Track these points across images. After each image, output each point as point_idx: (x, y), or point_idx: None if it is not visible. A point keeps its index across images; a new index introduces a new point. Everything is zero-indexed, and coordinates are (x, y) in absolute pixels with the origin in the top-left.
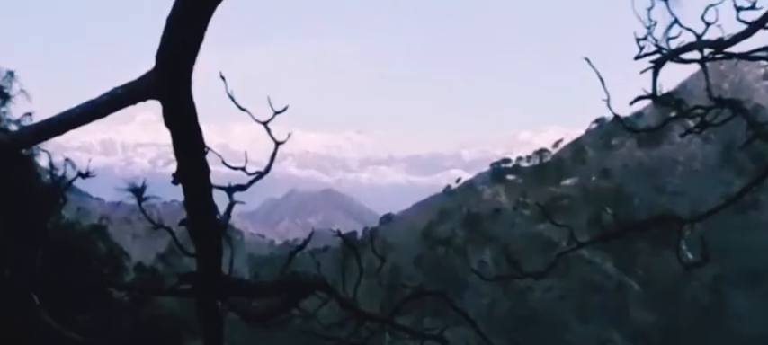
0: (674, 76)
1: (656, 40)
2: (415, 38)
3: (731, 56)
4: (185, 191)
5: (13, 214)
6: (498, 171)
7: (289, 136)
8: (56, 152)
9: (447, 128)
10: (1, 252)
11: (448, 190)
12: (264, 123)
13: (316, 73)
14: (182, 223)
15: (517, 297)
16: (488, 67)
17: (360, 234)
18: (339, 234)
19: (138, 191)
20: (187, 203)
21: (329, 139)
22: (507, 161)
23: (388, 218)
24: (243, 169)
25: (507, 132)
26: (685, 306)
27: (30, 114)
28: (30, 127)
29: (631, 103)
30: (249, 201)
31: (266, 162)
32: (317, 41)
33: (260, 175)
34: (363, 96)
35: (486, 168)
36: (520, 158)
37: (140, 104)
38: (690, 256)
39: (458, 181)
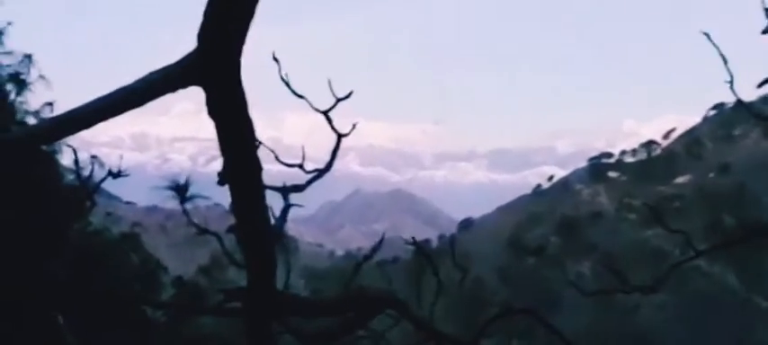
0: None
1: None
2: (496, 8)
3: None
4: (233, 193)
5: (33, 221)
6: (598, 167)
7: (353, 127)
8: (81, 148)
9: (537, 118)
10: (20, 266)
11: (538, 190)
12: (325, 112)
13: (379, 52)
14: (229, 229)
15: (622, 316)
16: (586, 47)
17: (435, 243)
18: (413, 242)
19: (180, 189)
20: (235, 206)
21: (399, 131)
22: (609, 155)
23: (467, 223)
24: (300, 166)
25: (609, 122)
26: None
27: (50, 104)
28: (50, 119)
29: (759, 86)
30: (306, 204)
31: (325, 158)
32: (375, 13)
33: (319, 173)
34: (439, 81)
35: (583, 164)
36: (624, 152)
37: (179, 92)
38: None
39: (550, 179)
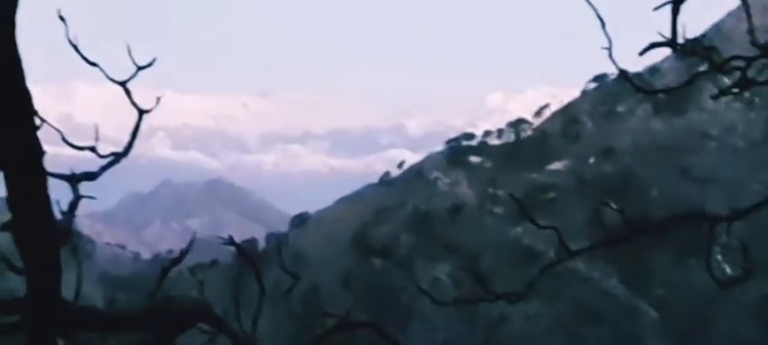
0: (703, 16)
1: None
2: None
3: None
4: (7, 182)
5: None
6: (458, 151)
7: (158, 101)
8: None
9: (384, 92)
10: None
11: (386, 179)
12: (123, 83)
13: (193, 11)
14: (3, 227)
15: (487, 329)
16: (443, 6)
17: (262, 243)
18: (231, 242)
19: None
20: (10, 198)
21: (217, 107)
22: (470, 136)
23: (302, 219)
24: (92, 149)
25: (469, 96)
26: (719, 339)
27: None
28: None
29: (642, 53)
30: (103, 196)
31: (126, 139)
32: None
33: (116, 158)
34: (267, 46)
35: (439, 147)
36: (487, 133)
37: None
38: (727, 269)
39: (400, 165)
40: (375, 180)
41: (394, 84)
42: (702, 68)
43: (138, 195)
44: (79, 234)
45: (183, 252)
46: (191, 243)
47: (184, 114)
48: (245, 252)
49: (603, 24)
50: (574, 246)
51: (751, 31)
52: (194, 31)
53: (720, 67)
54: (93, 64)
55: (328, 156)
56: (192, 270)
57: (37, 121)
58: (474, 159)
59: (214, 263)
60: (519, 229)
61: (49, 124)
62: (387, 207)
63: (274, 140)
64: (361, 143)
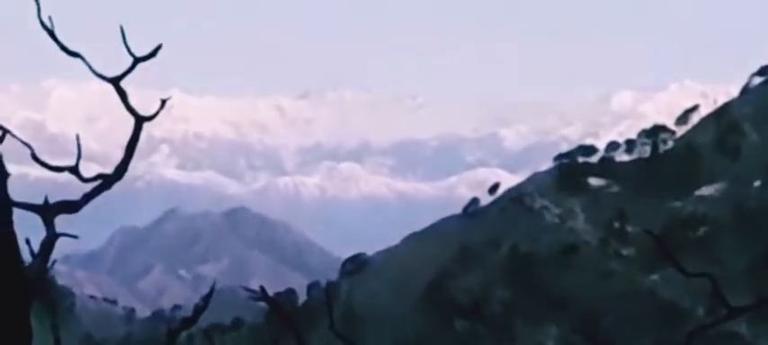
0: None
1: None
2: None
3: None
4: None
5: None
6: (572, 170)
7: (163, 104)
8: None
9: (470, 90)
10: None
11: (474, 209)
12: (114, 80)
13: None
14: None
15: None
16: None
17: (303, 295)
18: (262, 295)
19: None
20: None
21: (241, 111)
22: (589, 150)
23: (357, 264)
24: (72, 170)
25: (588, 95)
26: None
27: None
28: None
29: None
30: (87, 233)
31: (118, 155)
32: None
33: (105, 182)
34: (308, 33)
35: (546, 164)
36: (613, 145)
37: None
38: None
39: (493, 189)
40: (458, 210)
41: (483, 79)
42: None
43: (133, 231)
44: (56, 285)
45: (198, 310)
46: (207, 296)
47: (197, 122)
48: (280, 307)
49: None
50: (733, 301)
51: None
52: (209, 13)
53: None
54: (75, 54)
55: (393, 177)
56: (207, 333)
57: None
58: (594, 182)
59: (237, 324)
60: (655, 277)
61: (14, 135)
62: (474, 247)
63: (319, 156)
64: (439, 159)
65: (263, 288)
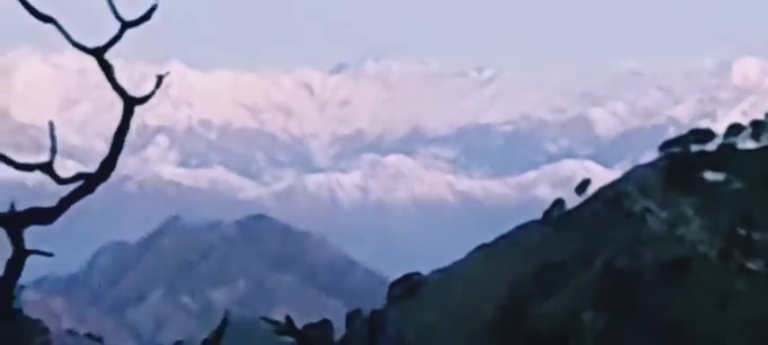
0: None
1: None
2: None
3: None
4: None
5: None
6: (682, 162)
7: (159, 81)
8: None
9: (550, 62)
10: None
11: (558, 213)
12: (97, 51)
13: None
14: None
15: None
16: None
17: (341, 326)
18: (288, 326)
19: None
20: None
21: (259, 90)
22: (704, 135)
23: (410, 286)
24: (45, 169)
25: (702, 62)
26: None
27: None
28: None
29: None
30: (64, 251)
31: (101, 149)
32: None
33: (88, 183)
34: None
35: (649, 154)
36: (736, 128)
37: None
38: None
39: (582, 188)
40: (537, 214)
41: (568, 47)
42: None
43: (124, 247)
44: (24, 318)
45: (211, 342)
46: (219, 330)
47: (203, 105)
48: (311, 342)
49: None
50: None
51: None
52: None
53: None
54: (48, 19)
55: (455, 173)
56: None
57: None
58: (712, 177)
59: None
60: None
61: None
62: (559, 262)
63: (360, 147)
64: (513, 150)
65: (289, 318)
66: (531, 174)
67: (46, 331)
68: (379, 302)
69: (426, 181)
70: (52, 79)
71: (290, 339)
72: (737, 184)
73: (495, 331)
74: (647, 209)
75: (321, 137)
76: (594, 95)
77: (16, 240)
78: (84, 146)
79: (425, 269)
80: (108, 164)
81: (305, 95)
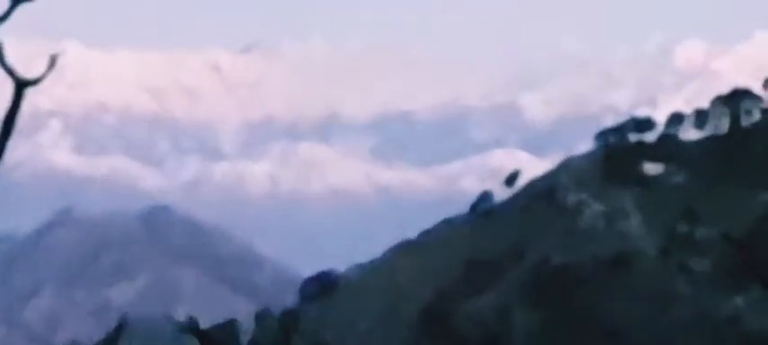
0: None
1: None
2: None
3: None
4: None
5: None
6: (621, 152)
7: (52, 62)
8: None
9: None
10: None
11: (485, 206)
12: None
13: None
14: None
15: None
16: None
17: (249, 325)
18: (191, 327)
19: None
20: None
21: (163, 70)
22: (644, 124)
23: (324, 284)
24: None
25: (642, 45)
26: None
27: None
28: None
29: None
30: None
31: None
32: None
33: None
34: None
35: (584, 145)
36: (677, 117)
37: None
38: None
39: (512, 180)
40: (464, 208)
41: (498, 28)
42: None
43: (13, 240)
44: None
45: None
46: (118, 329)
47: (102, 88)
48: (217, 343)
49: None
50: None
51: None
52: None
53: None
54: None
55: (374, 163)
56: None
57: None
58: (652, 168)
59: None
60: (738, 300)
61: None
62: (486, 259)
63: (271, 133)
64: (437, 137)
65: (191, 319)
66: (456, 165)
67: None
68: (290, 300)
69: (344, 170)
70: None
71: (194, 338)
72: (679, 177)
73: (418, 332)
74: (583, 202)
75: (229, 123)
76: (525, 79)
77: None
78: None
79: (341, 266)
80: None
81: (212, 76)
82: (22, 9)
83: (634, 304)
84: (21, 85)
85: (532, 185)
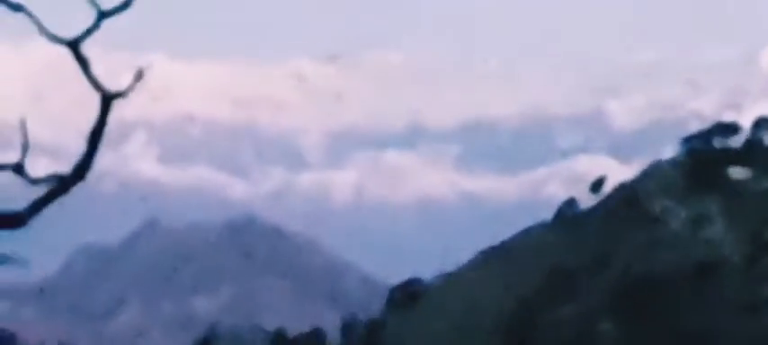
0: None
1: None
2: None
3: None
4: None
5: None
6: (706, 158)
7: (139, 75)
8: None
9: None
10: None
11: (570, 213)
12: (72, 43)
13: None
14: None
15: None
16: None
17: (335, 335)
18: (278, 339)
19: None
20: None
21: (247, 82)
22: (729, 129)
23: (410, 292)
24: (16, 169)
25: (727, 51)
26: None
27: None
28: None
29: None
30: (37, 258)
31: (75, 147)
32: None
33: (62, 185)
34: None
35: (669, 150)
36: (764, 121)
37: None
38: None
39: (597, 186)
40: (548, 215)
41: (582, 34)
42: None
43: (100, 251)
44: None
45: None
46: (205, 341)
47: (186, 99)
48: None
49: None
50: None
51: None
52: None
53: None
54: (17, 7)
55: (459, 171)
56: None
57: None
58: (738, 174)
59: None
60: None
61: None
62: (571, 267)
63: (355, 143)
64: (520, 144)
65: (279, 332)
66: (540, 171)
67: (12, 339)
68: (377, 309)
69: (428, 179)
70: (20, 70)
71: None
72: (766, 182)
73: (501, 341)
74: (668, 209)
75: (313, 132)
76: (611, 87)
77: None
78: (56, 143)
79: (426, 274)
80: (84, 163)
81: (296, 87)
82: (107, 23)
83: (720, 312)
84: (107, 99)
85: (618, 192)
